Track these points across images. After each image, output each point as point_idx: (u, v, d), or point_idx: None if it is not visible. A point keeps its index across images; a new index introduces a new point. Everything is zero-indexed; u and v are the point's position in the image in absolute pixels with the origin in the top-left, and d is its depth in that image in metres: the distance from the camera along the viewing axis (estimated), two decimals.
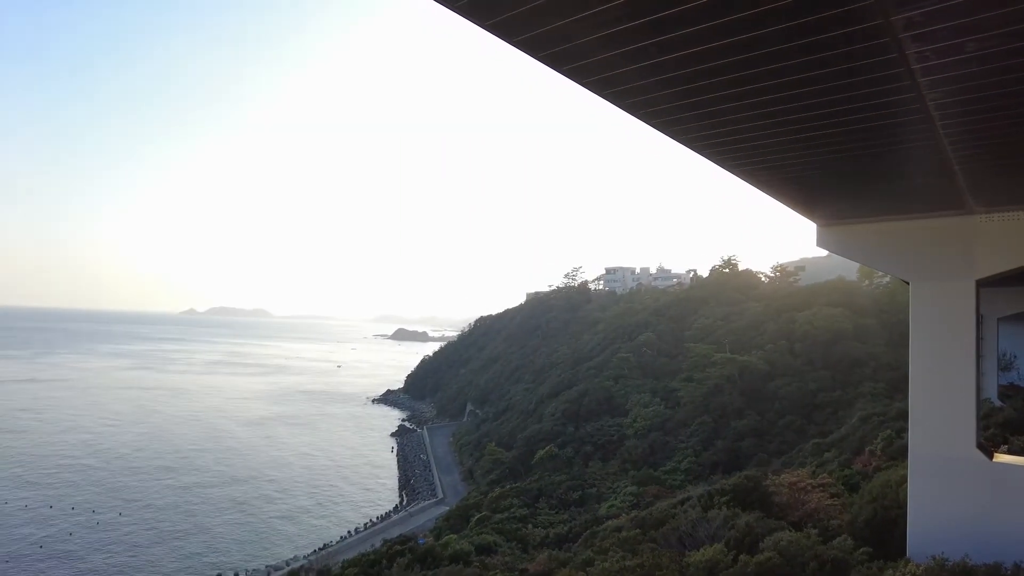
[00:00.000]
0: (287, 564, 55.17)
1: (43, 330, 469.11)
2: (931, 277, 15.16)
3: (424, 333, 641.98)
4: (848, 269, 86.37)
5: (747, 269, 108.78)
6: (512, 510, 53.76)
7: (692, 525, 22.13)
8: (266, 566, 55.76)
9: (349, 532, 65.26)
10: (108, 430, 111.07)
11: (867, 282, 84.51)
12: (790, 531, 17.26)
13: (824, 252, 18.19)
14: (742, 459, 54.19)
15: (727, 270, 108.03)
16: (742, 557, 15.25)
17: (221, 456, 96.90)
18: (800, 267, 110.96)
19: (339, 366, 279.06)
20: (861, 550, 15.46)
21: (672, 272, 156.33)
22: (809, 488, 25.74)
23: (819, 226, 16.80)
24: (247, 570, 54.80)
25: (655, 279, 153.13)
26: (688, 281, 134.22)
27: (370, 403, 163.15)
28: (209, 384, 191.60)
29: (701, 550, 17.04)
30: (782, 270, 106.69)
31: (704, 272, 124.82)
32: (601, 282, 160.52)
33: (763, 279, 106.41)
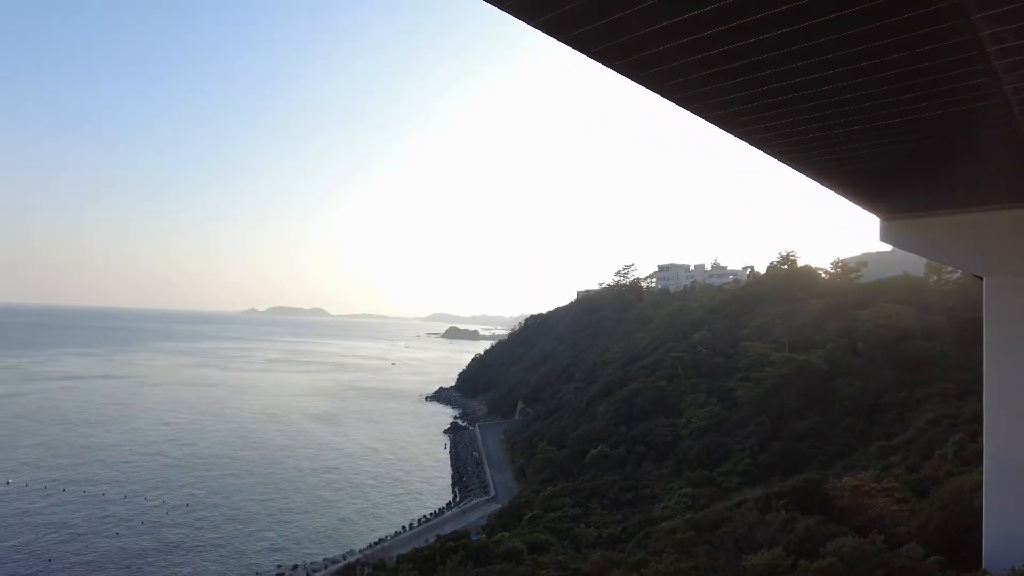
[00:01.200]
0: (343, 558, 56.50)
1: (116, 329, 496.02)
2: (1007, 272, 14.33)
3: (475, 331, 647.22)
4: (914, 264, 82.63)
5: (806, 265, 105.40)
6: (564, 509, 53.61)
7: (749, 528, 21.62)
8: (323, 559, 57.25)
9: (403, 527, 66.35)
10: (176, 424, 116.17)
11: (935, 278, 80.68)
12: (853, 537, 16.64)
13: (888, 247, 17.37)
14: (801, 461, 52.53)
15: (785, 266, 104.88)
16: (802, 562, 14.80)
17: (281, 450, 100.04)
18: (862, 263, 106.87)
19: (393, 364, 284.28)
20: (932, 559, 14.76)
21: (728, 269, 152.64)
22: (873, 492, 24.78)
23: (883, 220, 16.08)
24: (305, 564, 56.35)
25: (710, 276, 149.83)
26: (745, 278, 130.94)
27: (423, 400, 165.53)
28: (270, 381, 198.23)
29: (759, 554, 16.61)
30: (843, 266, 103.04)
31: (761, 269, 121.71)
32: (654, 280, 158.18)
33: (823, 275, 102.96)
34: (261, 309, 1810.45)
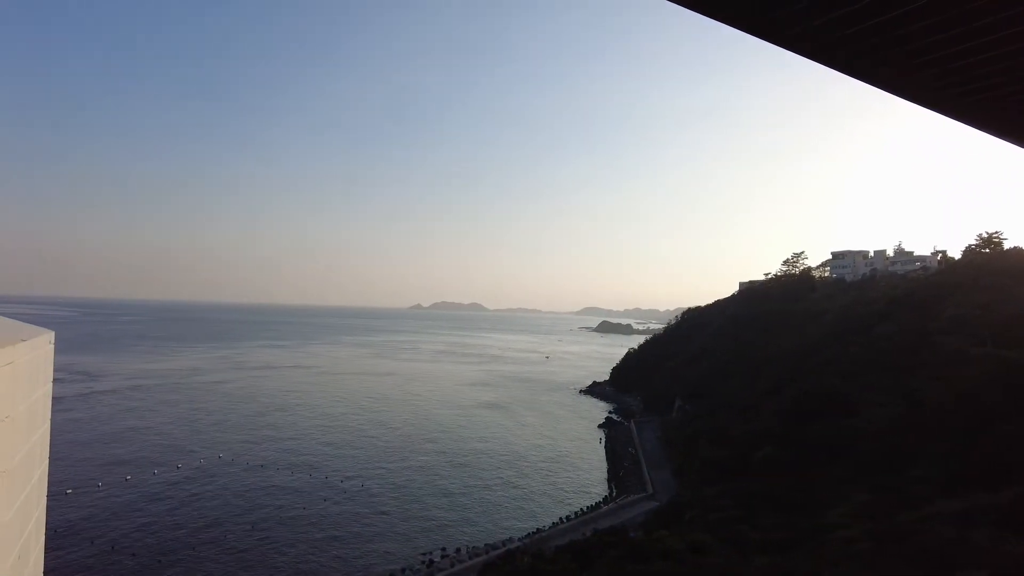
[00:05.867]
0: (503, 544, 58.54)
1: (302, 324, 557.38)
2: None
3: (628, 326, 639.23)
4: None
5: (1015, 248, 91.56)
6: (726, 510, 51.29)
7: (943, 545, 19.29)
8: (484, 544, 59.68)
9: (561, 519, 67.27)
10: (357, 411, 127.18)
11: None
12: None
13: None
14: (1009, 473, 45.70)
15: (987, 250, 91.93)
16: None
17: (448, 437, 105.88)
18: None
19: (547, 357, 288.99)
20: None
21: (914, 255, 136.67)
22: None
23: None
24: (468, 547, 59.12)
25: (892, 263, 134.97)
26: (935, 264, 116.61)
27: (578, 393, 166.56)
28: (436, 371, 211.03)
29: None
30: None
31: (955, 253, 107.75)
32: (827, 269, 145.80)
33: None
34: (426, 304, 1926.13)
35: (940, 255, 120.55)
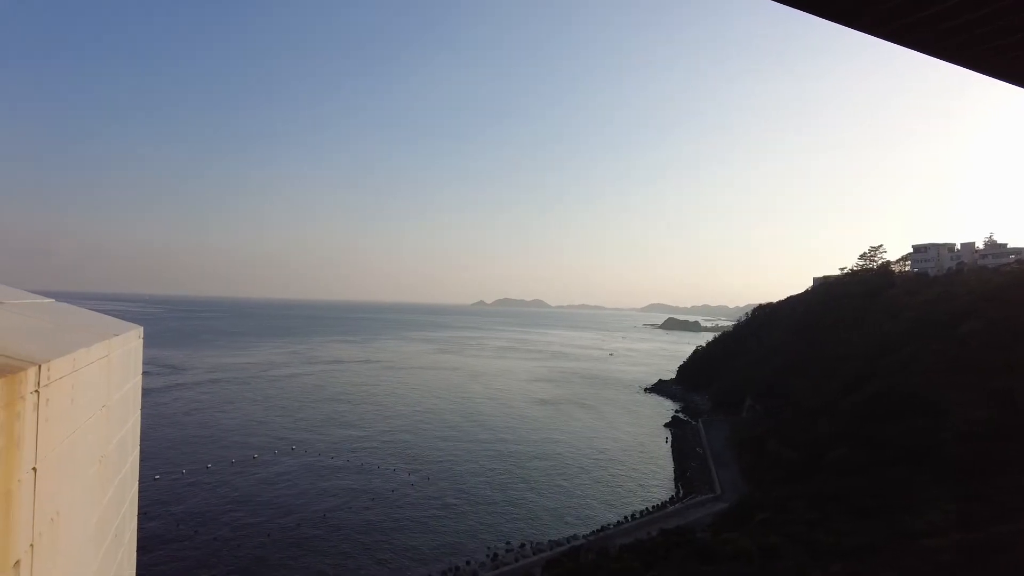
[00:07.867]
0: (567, 541, 58.49)
1: (370, 320, 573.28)
2: None
3: (696, 323, 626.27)
4: None
5: None
6: (798, 512, 49.53)
7: None
8: (548, 540, 59.76)
9: (625, 517, 66.60)
10: (422, 404, 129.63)
11: None
12: None
13: None
14: None
15: None
16: None
17: (512, 433, 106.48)
18: None
19: (611, 354, 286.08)
20: None
21: (1007, 247, 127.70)
22: None
23: None
24: (532, 542, 59.33)
25: (982, 256, 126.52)
26: None
27: (643, 391, 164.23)
28: (501, 366, 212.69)
29: None
30: None
31: None
32: (907, 263, 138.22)
33: None
34: (489, 301, 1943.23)
35: None
